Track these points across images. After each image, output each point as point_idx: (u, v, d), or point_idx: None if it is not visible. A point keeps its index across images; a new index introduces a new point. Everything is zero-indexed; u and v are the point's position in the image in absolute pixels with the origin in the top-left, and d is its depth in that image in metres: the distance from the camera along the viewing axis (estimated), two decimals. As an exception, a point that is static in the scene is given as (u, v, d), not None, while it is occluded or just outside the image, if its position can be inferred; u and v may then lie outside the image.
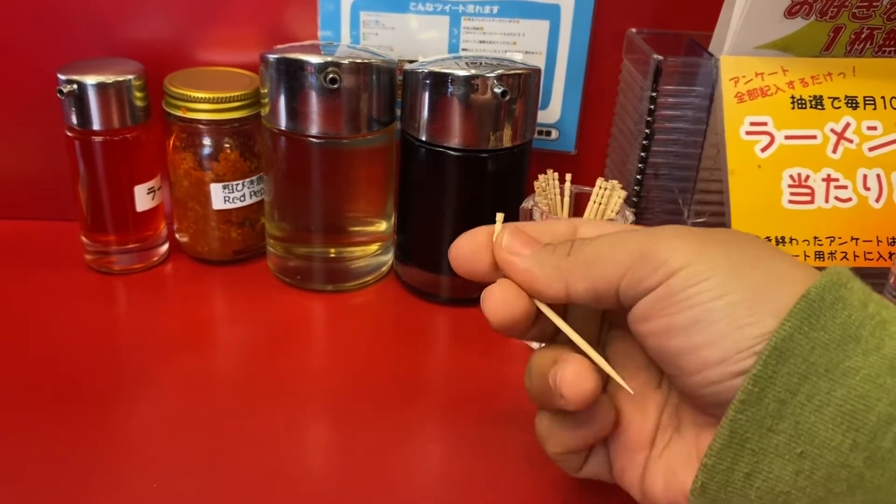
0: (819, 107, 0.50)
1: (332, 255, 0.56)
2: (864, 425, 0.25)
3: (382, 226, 0.57)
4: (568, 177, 0.49)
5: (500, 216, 0.34)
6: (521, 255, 0.33)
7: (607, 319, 0.36)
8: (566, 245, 0.32)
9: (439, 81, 0.49)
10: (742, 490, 0.28)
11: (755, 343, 0.27)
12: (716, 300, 0.28)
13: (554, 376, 0.31)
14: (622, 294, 0.30)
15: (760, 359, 0.27)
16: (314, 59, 0.49)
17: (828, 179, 0.49)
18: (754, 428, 0.27)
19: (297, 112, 0.50)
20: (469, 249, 0.34)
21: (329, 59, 0.49)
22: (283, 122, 0.51)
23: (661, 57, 0.51)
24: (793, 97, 0.50)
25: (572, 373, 0.31)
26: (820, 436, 0.26)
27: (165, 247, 0.59)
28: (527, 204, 0.49)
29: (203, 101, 0.52)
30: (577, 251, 0.32)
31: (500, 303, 0.32)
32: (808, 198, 0.49)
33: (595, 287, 0.31)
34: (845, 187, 0.50)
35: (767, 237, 0.49)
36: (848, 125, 0.50)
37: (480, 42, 0.58)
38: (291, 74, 0.49)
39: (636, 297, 0.30)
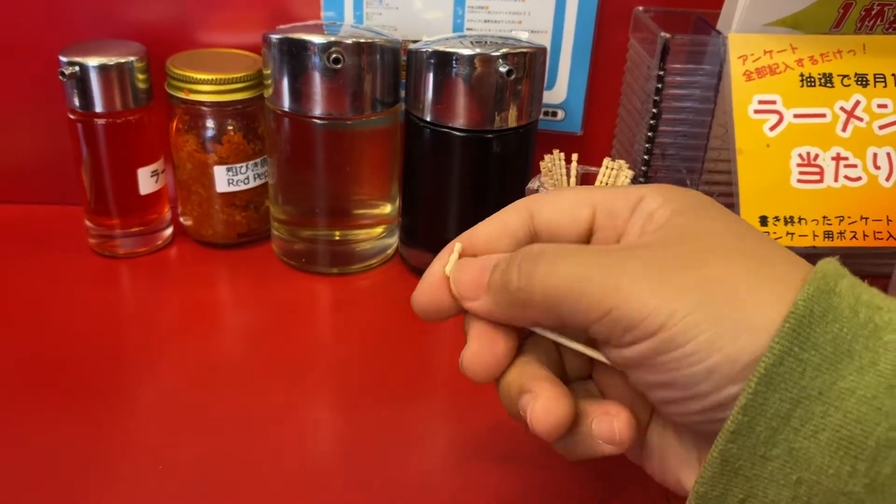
0: (828, 85, 0.49)
1: (337, 238, 0.55)
2: (862, 451, 0.24)
3: (387, 208, 0.56)
4: (574, 157, 0.49)
5: (456, 248, 0.32)
6: (474, 301, 0.30)
7: None
8: (522, 271, 0.29)
9: (444, 61, 0.49)
10: None
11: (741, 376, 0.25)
12: (696, 365, 0.26)
13: (524, 409, 0.29)
14: (592, 335, 0.28)
15: (749, 387, 0.25)
16: (317, 39, 0.48)
17: (837, 158, 0.49)
18: (746, 455, 0.26)
19: (300, 93, 0.50)
20: (427, 297, 0.32)
21: (332, 38, 0.48)
22: (286, 104, 0.50)
23: (668, 35, 0.50)
24: (802, 75, 0.49)
25: (541, 408, 0.29)
26: (816, 462, 0.25)
27: (170, 230, 0.59)
28: (532, 184, 0.48)
29: (206, 83, 0.52)
30: (535, 279, 0.28)
31: (476, 365, 0.31)
32: (817, 177, 0.49)
33: (561, 325, 0.29)
34: (855, 166, 0.49)
35: (776, 217, 0.48)
36: (858, 103, 0.49)
37: (485, 21, 0.57)
38: (294, 55, 0.49)
39: (607, 344, 0.28)
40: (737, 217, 0.30)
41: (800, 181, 0.49)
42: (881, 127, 0.49)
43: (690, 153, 0.53)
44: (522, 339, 0.32)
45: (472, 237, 0.32)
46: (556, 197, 0.32)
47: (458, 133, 0.50)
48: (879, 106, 0.49)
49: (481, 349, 0.30)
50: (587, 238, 0.31)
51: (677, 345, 0.26)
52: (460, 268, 0.31)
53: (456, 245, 0.32)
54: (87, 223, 0.56)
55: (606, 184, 0.48)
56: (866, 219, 0.49)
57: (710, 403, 0.26)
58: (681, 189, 0.30)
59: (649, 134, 0.53)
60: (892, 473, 0.24)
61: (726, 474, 0.26)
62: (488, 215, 0.50)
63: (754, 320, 0.25)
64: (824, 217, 0.49)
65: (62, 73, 0.50)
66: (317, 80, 0.49)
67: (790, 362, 0.25)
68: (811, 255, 0.55)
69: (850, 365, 0.25)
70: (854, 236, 0.49)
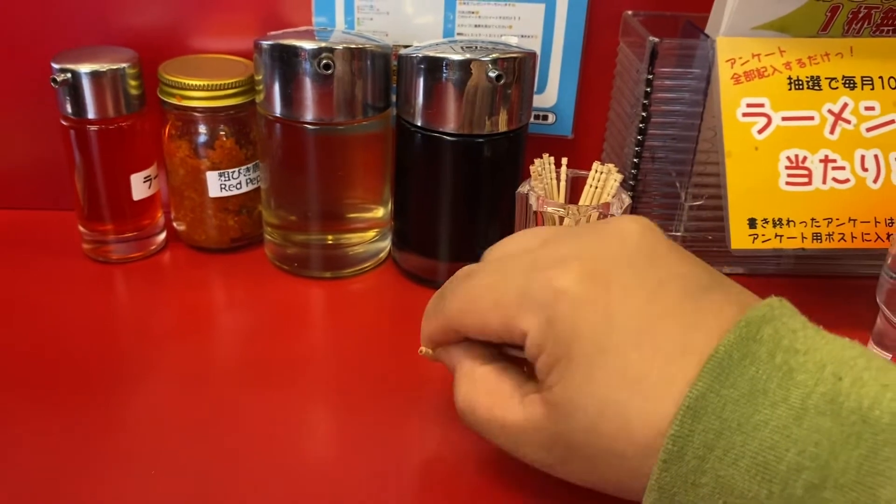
0: (816, 87, 0.50)
1: (330, 242, 0.56)
2: (776, 475, 0.27)
3: (380, 212, 0.57)
4: (564, 161, 0.49)
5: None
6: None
7: None
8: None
9: (434, 66, 0.49)
10: None
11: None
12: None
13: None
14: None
15: (677, 419, 0.28)
16: (308, 45, 0.48)
17: (825, 160, 0.49)
18: (679, 483, 0.28)
19: (291, 98, 0.50)
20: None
21: (323, 44, 0.49)
22: (277, 109, 0.51)
23: (657, 39, 0.50)
24: (790, 78, 0.50)
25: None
26: (738, 487, 0.27)
27: (163, 235, 0.59)
28: (523, 189, 0.49)
29: (198, 89, 0.52)
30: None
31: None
32: (805, 179, 0.49)
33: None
34: (843, 168, 0.49)
35: (765, 219, 0.49)
36: (846, 106, 0.50)
37: (476, 26, 0.58)
38: (285, 61, 0.49)
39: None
40: (659, 280, 0.32)
41: (788, 183, 0.49)
42: (869, 129, 0.49)
43: (680, 156, 0.54)
44: None
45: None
46: (469, 328, 0.37)
47: (448, 138, 0.51)
48: (867, 108, 0.50)
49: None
50: None
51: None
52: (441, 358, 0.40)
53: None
54: (81, 229, 0.56)
55: (596, 187, 0.48)
56: (854, 220, 0.49)
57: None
58: (560, 310, 0.32)
59: (639, 137, 0.53)
60: (802, 494, 0.26)
61: (664, 500, 0.29)
62: (479, 219, 0.52)
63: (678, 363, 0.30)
64: (813, 219, 0.49)
65: (54, 80, 0.50)
66: (308, 85, 0.49)
67: (711, 398, 0.28)
68: (800, 256, 0.55)
69: (764, 400, 0.28)
70: (842, 238, 0.49)
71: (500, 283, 0.34)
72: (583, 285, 0.31)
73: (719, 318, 0.30)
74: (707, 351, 0.29)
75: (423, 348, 0.40)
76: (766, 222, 0.49)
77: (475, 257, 0.40)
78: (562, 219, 0.46)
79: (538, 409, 0.33)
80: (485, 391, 0.35)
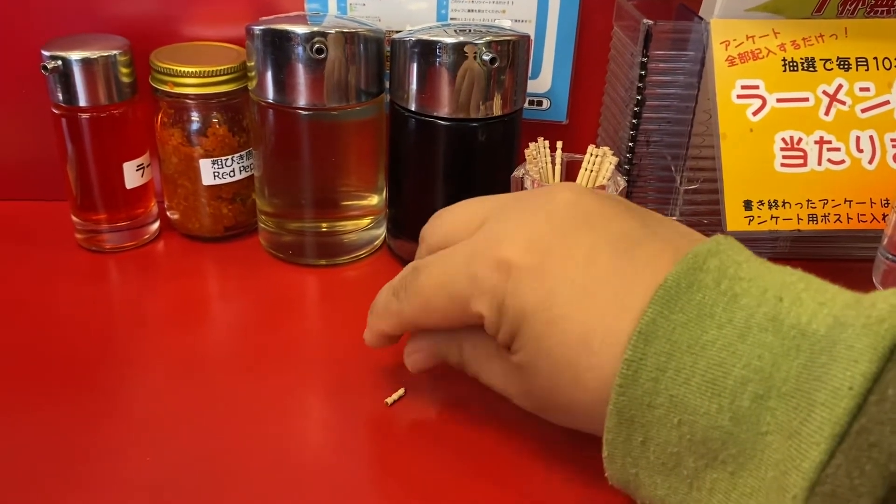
0: (811, 69, 0.50)
1: (325, 230, 0.55)
2: (724, 390, 0.29)
3: (374, 199, 0.56)
4: (559, 144, 0.49)
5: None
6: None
7: None
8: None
9: (427, 50, 0.49)
10: (642, 454, 0.31)
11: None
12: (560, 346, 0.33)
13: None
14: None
15: (630, 344, 0.30)
16: (300, 30, 0.48)
17: (820, 142, 0.49)
18: (636, 405, 0.30)
19: (284, 84, 0.50)
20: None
21: (315, 29, 0.48)
22: (270, 95, 0.50)
23: (651, 22, 0.50)
24: (784, 60, 0.49)
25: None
26: (691, 404, 0.29)
27: (156, 224, 0.59)
28: (518, 173, 0.48)
29: (190, 76, 0.52)
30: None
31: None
32: (800, 160, 0.49)
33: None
34: (838, 149, 0.49)
35: (761, 201, 0.49)
36: (840, 87, 0.49)
37: (469, 11, 0.57)
38: (277, 46, 0.49)
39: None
40: (595, 237, 0.34)
41: (783, 165, 0.49)
42: (863, 110, 0.49)
43: (675, 139, 0.53)
44: None
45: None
46: (430, 325, 0.39)
47: (442, 122, 0.50)
48: (861, 89, 0.50)
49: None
50: None
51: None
52: (415, 365, 0.42)
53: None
54: (74, 218, 0.56)
55: (591, 171, 0.48)
56: (850, 201, 0.49)
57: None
58: (512, 280, 0.34)
59: (633, 121, 0.53)
60: (749, 405, 0.28)
61: (624, 423, 0.31)
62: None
63: (628, 296, 0.32)
64: (808, 200, 0.49)
65: (44, 68, 0.50)
66: (300, 70, 0.49)
67: (661, 322, 0.30)
68: (796, 239, 0.55)
69: (711, 322, 0.30)
70: (838, 219, 0.49)
71: (450, 277, 0.36)
72: (523, 261, 0.34)
73: (654, 267, 0.32)
74: (644, 303, 0.31)
75: (389, 399, 0.43)
76: (762, 204, 0.49)
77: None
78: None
79: (507, 366, 0.36)
80: (482, 351, 0.38)
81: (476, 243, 0.36)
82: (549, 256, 0.34)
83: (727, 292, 0.30)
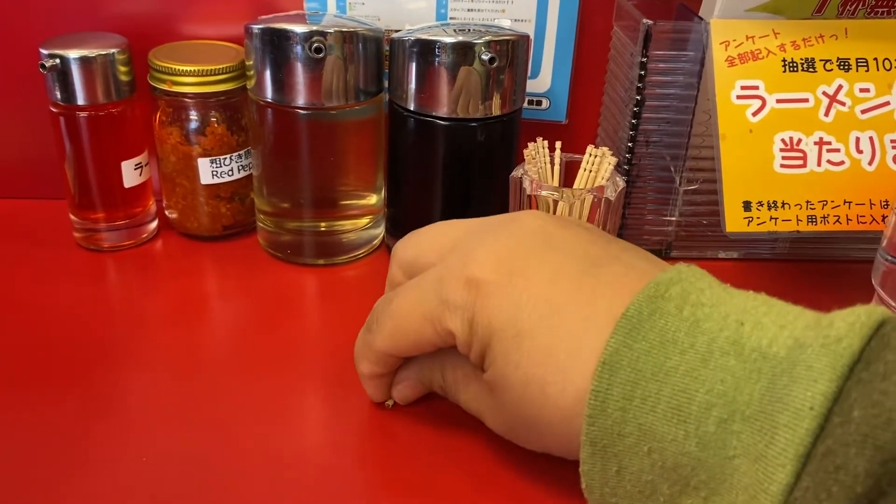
0: (811, 69, 0.49)
1: (323, 229, 0.55)
2: (689, 415, 0.29)
3: (373, 199, 0.56)
4: (558, 145, 0.49)
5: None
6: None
7: None
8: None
9: (426, 49, 0.49)
10: (619, 483, 0.31)
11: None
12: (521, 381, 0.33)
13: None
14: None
15: (595, 375, 0.30)
16: (299, 29, 0.48)
17: (820, 143, 0.49)
18: (608, 435, 0.30)
19: (282, 83, 0.50)
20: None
21: (314, 28, 0.48)
22: (269, 94, 0.50)
23: (650, 22, 0.50)
24: (784, 60, 0.49)
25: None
26: (659, 431, 0.29)
27: (155, 223, 0.58)
28: (516, 173, 0.48)
29: (188, 75, 0.52)
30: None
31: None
32: (800, 161, 0.49)
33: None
34: (838, 150, 0.49)
35: (760, 202, 0.49)
36: (840, 88, 0.49)
37: (468, 10, 0.57)
38: (276, 45, 0.49)
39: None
40: (556, 264, 0.35)
41: (783, 166, 0.49)
42: (863, 111, 0.49)
43: (674, 140, 0.53)
44: None
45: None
46: (400, 349, 0.39)
47: (441, 122, 0.50)
48: (861, 90, 0.49)
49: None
50: None
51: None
52: (403, 397, 0.42)
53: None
54: (72, 217, 0.56)
55: (590, 171, 0.48)
56: (850, 203, 0.49)
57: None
58: (479, 300, 0.35)
59: (633, 121, 0.53)
60: (714, 430, 0.28)
61: (598, 453, 0.31)
62: (473, 204, 0.52)
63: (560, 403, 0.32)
64: (808, 202, 0.49)
65: (43, 66, 0.50)
66: (299, 70, 0.49)
67: (625, 351, 0.30)
68: (796, 240, 0.54)
69: (674, 349, 0.30)
70: (838, 220, 0.49)
71: (421, 297, 0.37)
72: (490, 279, 0.34)
73: (619, 286, 0.33)
74: (609, 318, 0.31)
75: (388, 401, 0.42)
76: (761, 205, 0.48)
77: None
78: (556, 202, 0.46)
79: (481, 385, 0.37)
80: (461, 374, 0.39)
81: (446, 266, 0.37)
82: (515, 275, 0.34)
83: (689, 318, 0.30)
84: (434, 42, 0.48)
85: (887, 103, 0.49)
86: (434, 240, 0.40)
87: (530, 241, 0.36)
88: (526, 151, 0.49)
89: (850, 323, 0.27)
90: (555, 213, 0.46)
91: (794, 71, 0.49)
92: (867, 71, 0.49)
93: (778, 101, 0.49)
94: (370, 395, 0.42)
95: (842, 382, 0.26)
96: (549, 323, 0.33)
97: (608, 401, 0.30)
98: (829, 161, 0.49)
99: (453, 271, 0.36)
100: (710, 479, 0.28)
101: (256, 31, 0.49)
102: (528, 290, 0.34)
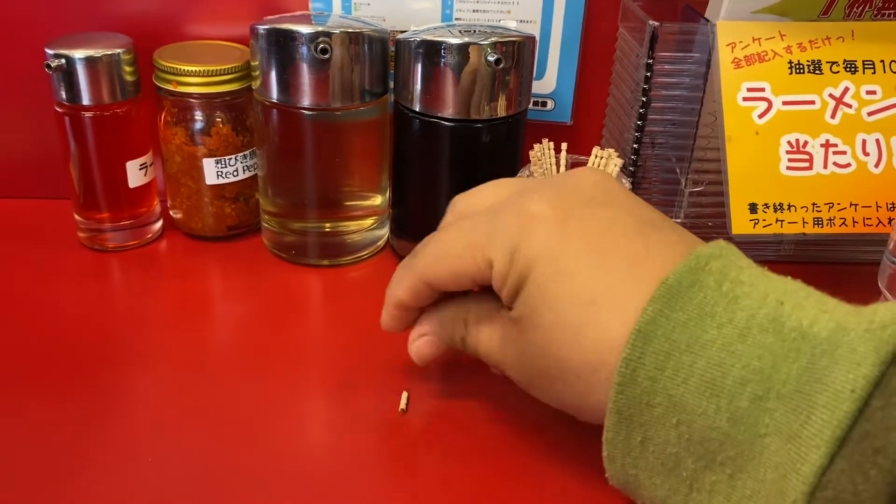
0: (817, 72, 0.49)
1: (328, 230, 0.55)
2: (722, 390, 0.28)
3: (377, 200, 0.56)
4: (563, 146, 0.49)
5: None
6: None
7: None
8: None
9: (432, 50, 0.48)
10: (641, 454, 0.31)
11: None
12: (571, 305, 0.32)
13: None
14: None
15: (629, 343, 0.30)
16: (304, 30, 0.48)
17: (826, 145, 0.49)
18: (635, 404, 0.30)
19: (288, 84, 0.49)
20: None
21: (320, 28, 0.48)
22: (274, 95, 0.50)
23: (656, 23, 0.50)
24: (790, 62, 0.49)
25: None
26: (689, 404, 0.29)
27: (159, 223, 0.58)
28: (522, 174, 0.48)
29: (194, 75, 0.52)
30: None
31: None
32: (806, 164, 0.49)
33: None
34: (844, 153, 0.49)
35: (766, 204, 0.48)
36: (847, 90, 0.49)
37: (474, 11, 0.57)
38: (282, 45, 0.49)
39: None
40: (611, 217, 0.35)
41: (789, 168, 0.49)
42: (870, 113, 0.49)
43: (680, 141, 0.53)
44: None
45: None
46: (438, 280, 0.39)
47: (446, 123, 0.50)
48: (868, 92, 0.49)
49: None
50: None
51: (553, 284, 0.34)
52: (419, 352, 0.41)
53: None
54: (77, 217, 0.56)
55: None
56: (856, 205, 0.49)
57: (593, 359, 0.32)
58: (523, 236, 0.34)
59: (638, 123, 0.53)
60: (748, 406, 0.28)
61: (623, 422, 0.31)
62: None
63: (635, 281, 0.32)
64: (814, 204, 0.49)
65: (48, 66, 0.50)
66: (305, 70, 0.49)
67: (661, 321, 0.30)
68: (801, 242, 0.55)
69: (711, 322, 0.29)
70: (844, 223, 0.49)
71: (471, 228, 0.37)
72: (545, 214, 0.34)
73: (668, 252, 0.33)
74: (655, 279, 0.31)
75: (401, 406, 0.42)
76: (767, 207, 0.48)
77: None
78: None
79: (507, 326, 0.36)
80: (486, 323, 0.38)
81: (502, 202, 0.36)
82: (570, 216, 0.34)
83: (728, 294, 0.30)
84: (439, 43, 0.48)
85: (894, 105, 0.49)
86: (495, 189, 0.40)
87: (590, 192, 0.36)
88: (532, 153, 0.49)
89: (894, 313, 0.27)
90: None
91: (800, 73, 0.49)
92: (874, 73, 0.49)
93: (784, 103, 0.49)
94: (384, 321, 0.41)
95: (885, 368, 0.25)
96: (595, 269, 0.32)
97: (639, 369, 0.30)
98: (835, 163, 0.49)
99: (509, 205, 0.36)
100: (738, 455, 0.28)
101: (262, 31, 0.49)
102: (580, 231, 0.33)
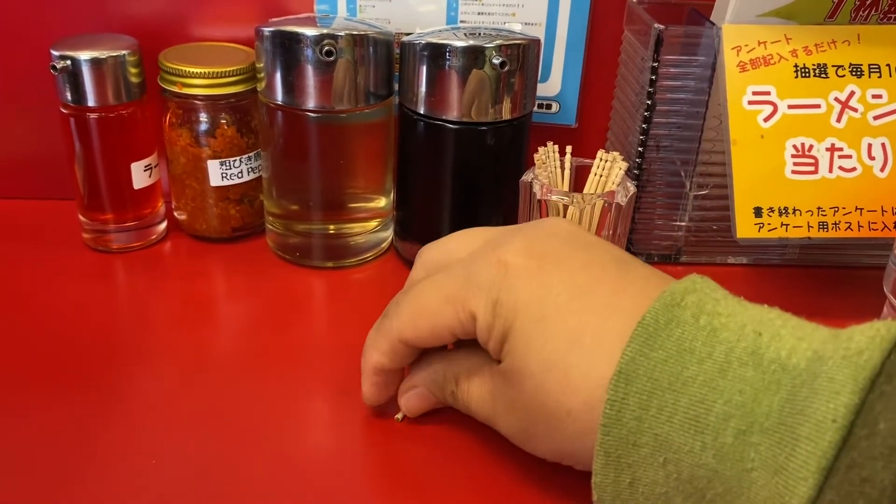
0: (823, 75, 0.49)
1: (332, 232, 0.55)
2: (707, 426, 0.28)
3: (382, 202, 0.56)
4: (568, 149, 0.49)
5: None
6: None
7: None
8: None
9: (437, 53, 0.48)
10: (631, 496, 0.31)
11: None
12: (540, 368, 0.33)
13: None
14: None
15: (611, 385, 0.30)
16: (310, 32, 0.48)
17: (832, 149, 0.49)
18: (622, 445, 0.30)
19: (293, 86, 0.50)
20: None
21: (325, 31, 0.48)
22: (279, 97, 0.50)
23: (662, 26, 0.50)
24: (796, 66, 0.49)
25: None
26: (675, 442, 0.29)
27: (164, 225, 0.58)
28: (527, 177, 0.48)
29: (199, 77, 0.52)
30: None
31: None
32: (811, 168, 0.49)
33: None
34: (849, 157, 0.49)
35: (771, 208, 0.48)
36: (852, 94, 0.49)
37: (479, 14, 0.57)
38: (287, 47, 0.49)
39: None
40: (579, 267, 0.34)
41: (794, 172, 0.49)
42: (876, 117, 0.49)
43: (685, 145, 0.53)
44: None
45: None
46: (419, 337, 0.38)
47: (451, 125, 0.50)
48: (874, 96, 0.49)
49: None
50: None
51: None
52: (410, 407, 0.41)
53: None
54: (81, 218, 0.56)
55: (600, 176, 0.48)
56: (861, 209, 0.49)
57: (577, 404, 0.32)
58: (503, 289, 0.34)
59: (643, 126, 0.53)
60: (732, 441, 0.28)
61: (611, 464, 0.31)
62: (482, 208, 0.51)
63: (609, 332, 0.32)
64: (819, 208, 0.49)
65: (54, 67, 0.50)
66: (310, 72, 0.49)
67: (641, 360, 0.30)
68: (806, 246, 0.54)
69: (691, 358, 0.29)
70: (849, 227, 0.49)
71: (447, 281, 0.36)
72: (521, 262, 0.34)
73: (645, 285, 0.33)
74: (636, 311, 0.31)
75: (398, 415, 0.42)
76: (772, 211, 0.48)
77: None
78: (566, 207, 0.46)
79: (497, 379, 0.36)
80: (476, 378, 0.38)
81: (474, 254, 0.37)
82: (546, 260, 0.34)
83: (706, 327, 0.30)
84: (444, 46, 0.48)
85: (900, 109, 0.49)
86: (463, 240, 0.40)
87: (563, 237, 0.36)
88: (536, 156, 0.48)
89: (869, 336, 0.27)
90: (565, 216, 0.46)
91: (805, 76, 0.49)
92: (880, 77, 0.49)
93: (790, 106, 0.49)
94: (366, 394, 0.40)
95: (864, 395, 0.26)
96: (577, 305, 0.33)
97: (624, 410, 0.30)
98: (840, 167, 0.49)
99: (483, 256, 0.36)
100: (727, 491, 0.28)
101: (267, 33, 0.49)
102: (558, 273, 0.34)
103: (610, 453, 0.30)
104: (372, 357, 0.39)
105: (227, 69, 0.52)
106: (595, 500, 0.32)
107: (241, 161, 0.55)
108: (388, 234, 0.58)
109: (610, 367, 0.31)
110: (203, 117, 0.53)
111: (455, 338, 0.37)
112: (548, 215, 0.47)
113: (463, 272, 0.36)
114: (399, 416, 0.42)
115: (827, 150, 0.49)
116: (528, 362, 0.33)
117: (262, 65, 0.51)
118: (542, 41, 0.57)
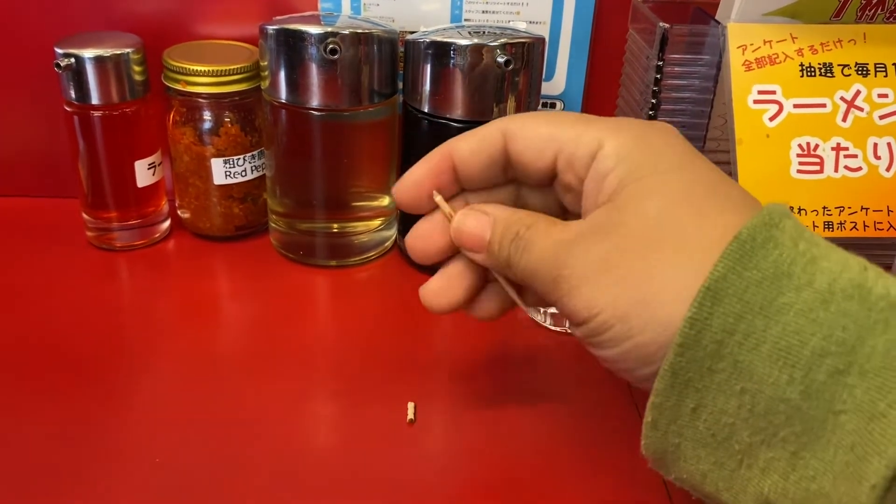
0: (829, 74, 0.49)
1: (335, 231, 0.55)
2: (798, 360, 0.26)
3: (385, 200, 0.56)
4: (573, 148, 0.49)
5: (439, 199, 0.37)
6: (476, 254, 0.36)
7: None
8: (511, 252, 0.34)
9: (441, 51, 0.48)
10: (690, 423, 0.28)
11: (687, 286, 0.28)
12: (612, 349, 0.30)
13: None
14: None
15: (695, 301, 0.27)
16: (314, 30, 0.48)
17: (837, 148, 0.49)
18: (695, 368, 0.28)
19: (297, 84, 0.49)
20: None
21: (329, 29, 0.48)
22: (283, 95, 0.50)
23: (667, 25, 0.50)
24: (802, 65, 0.49)
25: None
26: (758, 372, 0.26)
27: (167, 223, 0.58)
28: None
29: (203, 75, 0.52)
30: (520, 262, 0.34)
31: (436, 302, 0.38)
32: (817, 167, 0.48)
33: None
34: (855, 156, 0.49)
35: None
36: (858, 93, 0.49)
37: (483, 12, 0.57)
38: (291, 46, 0.49)
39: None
40: (691, 162, 0.32)
41: (800, 171, 0.48)
42: (881, 117, 0.49)
43: (690, 144, 0.53)
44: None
45: (455, 150, 0.36)
46: (529, 128, 0.34)
47: (455, 124, 0.50)
48: (880, 96, 0.49)
49: (447, 288, 0.38)
50: (551, 174, 0.35)
51: (597, 333, 0.30)
52: (464, 220, 0.35)
53: (437, 197, 0.36)
54: (85, 216, 0.56)
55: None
56: (867, 209, 0.49)
57: (633, 378, 0.31)
58: (635, 139, 0.32)
59: (648, 125, 0.52)
60: (825, 380, 0.26)
61: (677, 386, 0.28)
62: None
63: (659, 315, 0.28)
64: (824, 207, 0.48)
65: (58, 65, 0.50)
66: (314, 71, 0.49)
67: (733, 279, 0.27)
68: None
69: (789, 283, 0.27)
70: (854, 227, 0.49)
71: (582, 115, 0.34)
72: (665, 126, 0.33)
73: (745, 196, 0.31)
74: (730, 227, 0.28)
75: (409, 416, 0.41)
76: (778, 211, 0.48)
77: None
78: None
79: (600, 214, 0.32)
80: (559, 225, 0.34)
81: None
82: (684, 142, 0.33)
83: (806, 253, 0.27)
84: (449, 44, 0.48)
85: (906, 109, 0.49)
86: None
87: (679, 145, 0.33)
88: (540, 155, 0.48)
89: None
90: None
91: (811, 76, 0.49)
92: (885, 76, 0.49)
93: (795, 105, 0.49)
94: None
95: None
96: (690, 169, 0.31)
97: (705, 331, 0.27)
98: (846, 167, 0.49)
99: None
100: (805, 431, 0.26)
101: (271, 31, 0.49)
102: (695, 157, 0.32)
103: (678, 374, 0.28)
104: (452, 142, 0.36)
105: (231, 67, 0.52)
106: (648, 421, 0.29)
107: (244, 159, 0.55)
108: (392, 232, 0.58)
109: (697, 280, 0.28)
110: (207, 115, 0.53)
111: (553, 166, 0.34)
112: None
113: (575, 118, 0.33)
114: (410, 416, 0.41)
115: (832, 149, 0.49)
116: (648, 203, 0.30)
117: (266, 63, 0.50)
118: (547, 40, 0.57)
